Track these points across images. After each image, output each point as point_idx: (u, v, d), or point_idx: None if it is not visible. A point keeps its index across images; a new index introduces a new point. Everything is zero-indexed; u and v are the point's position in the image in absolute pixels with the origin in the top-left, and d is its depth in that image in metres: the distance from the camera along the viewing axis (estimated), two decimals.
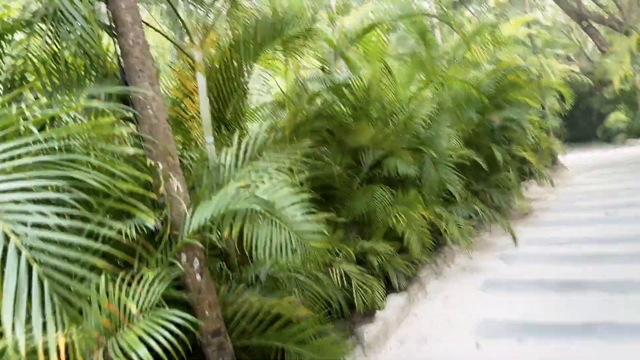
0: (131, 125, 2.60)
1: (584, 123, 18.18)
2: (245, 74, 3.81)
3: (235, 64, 3.58)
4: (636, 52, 15.44)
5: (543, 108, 10.81)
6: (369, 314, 4.22)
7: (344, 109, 5.30)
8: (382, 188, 5.03)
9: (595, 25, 16.54)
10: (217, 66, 3.63)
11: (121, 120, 2.57)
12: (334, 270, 3.84)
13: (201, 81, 3.54)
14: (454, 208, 6.02)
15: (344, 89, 5.27)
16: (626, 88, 15.19)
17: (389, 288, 4.67)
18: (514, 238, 6.12)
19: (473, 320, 4.24)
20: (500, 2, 17.42)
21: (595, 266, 4.96)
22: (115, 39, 2.60)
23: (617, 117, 14.90)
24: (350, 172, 4.99)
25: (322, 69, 6.56)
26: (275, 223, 2.55)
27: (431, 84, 6.51)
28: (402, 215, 4.92)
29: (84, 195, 1.84)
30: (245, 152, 2.91)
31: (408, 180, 5.35)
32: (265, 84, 6.01)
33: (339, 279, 3.93)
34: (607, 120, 15.23)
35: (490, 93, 8.35)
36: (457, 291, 4.96)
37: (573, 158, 14.25)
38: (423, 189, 5.50)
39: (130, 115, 2.55)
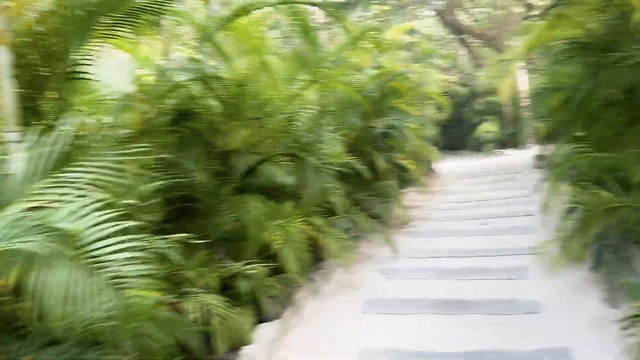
0: None
1: (457, 132, 19.20)
2: (75, 53, 2.91)
3: (55, 38, 2.69)
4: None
5: (422, 116, 10.95)
6: (233, 351, 3.55)
7: (214, 106, 4.56)
8: (256, 199, 4.39)
9: (470, 39, 17.57)
10: (30, 39, 2.70)
11: None
12: (185, 306, 3.10)
13: (3, 57, 2.60)
14: (334, 219, 5.57)
15: (213, 81, 4.53)
16: (495, 100, 16.26)
17: (261, 316, 4.03)
18: (395, 250, 5.85)
19: (352, 350, 3.77)
20: (383, 10, 17.73)
21: (475, 283, 4.80)
22: None
23: (486, 128, 15.86)
24: (219, 181, 4.27)
25: (193, 58, 5.74)
26: (81, 265, 1.77)
27: (314, 85, 6.01)
28: (279, 230, 4.32)
29: None
30: (48, 156, 2.06)
31: (286, 190, 4.77)
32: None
33: (196, 314, 3.20)
34: (477, 130, 16.14)
35: (374, 98, 8.13)
36: (336, 314, 4.48)
37: (448, 166, 14.82)
38: (303, 199, 4.96)
39: None
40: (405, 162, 8.37)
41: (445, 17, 16.71)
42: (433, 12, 17.13)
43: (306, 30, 7.99)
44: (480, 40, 16.91)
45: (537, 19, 13.59)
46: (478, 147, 16.84)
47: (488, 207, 7.90)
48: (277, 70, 5.99)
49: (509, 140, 15.85)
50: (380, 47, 8.22)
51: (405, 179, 9.06)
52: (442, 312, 4.24)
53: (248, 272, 3.93)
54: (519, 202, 7.89)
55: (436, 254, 5.87)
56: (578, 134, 5.28)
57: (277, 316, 4.14)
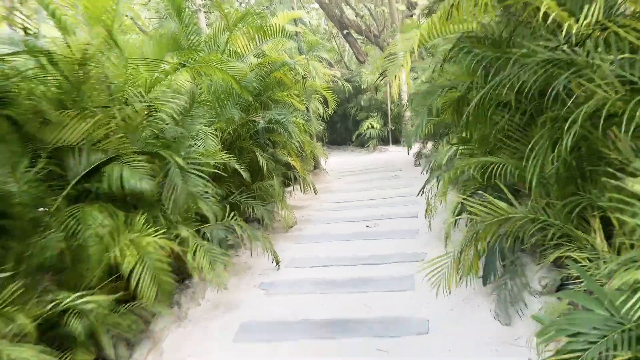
0: None
1: (342, 127, 19.23)
2: None
3: None
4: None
5: (308, 111, 10.51)
6: None
7: (42, 89, 3.54)
8: (100, 210, 3.48)
9: (355, 35, 17.56)
10: None
11: None
12: None
13: None
14: (207, 229, 4.80)
15: (43, 58, 3.51)
16: (378, 97, 16.45)
17: None
18: (276, 261, 5.25)
19: None
20: None
21: (361, 297, 4.36)
22: None
23: (370, 124, 15.96)
24: (46, 188, 3.29)
25: (25, 29, 4.61)
26: None
27: (184, 70, 5.15)
28: (131, 248, 3.47)
29: None
30: None
31: (144, 197, 3.90)
32: None
33: None
34: (361, 126, 16.19)
35: (256, 89, 7.44)
36: (204, 347, 3.75)
37: (333, 162, 14.63)
38: (166, 207, 4.12)
39: None
40: (290, 160, 7.81)
41: (329, 10, 16.48)
42: (317, 5, 16.82)
43: (178, 10, 7.06)
44: (364, 37, 16.97)
45: (421, 17, 13.80)
46: (363, 143, 16.94)
47: (373, 207, 7.64)
48: (136, 50, 5.04)
49: (392, 137, 16.12)
50: (262, 34, 7.54)
51: (290, 177, 8.53)
52: (327, 337, 3.71)
53: (85, 305, 3.04)
54: (402, 202, 7.74)
55: (321, 262, 5.37)
56: (463, 134, 5.11)
57: (126, 358, 3.30)
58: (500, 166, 3.83)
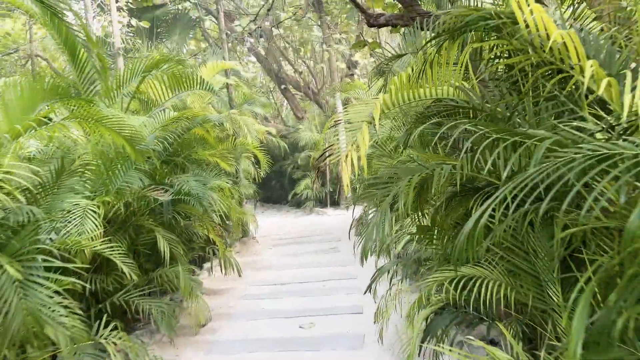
0: None
1: (277, 185, 18.05)
2: None
3: None
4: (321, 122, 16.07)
5: (237, 172, 9.24)
6: None
7: None
8: None
9: (293, 90, 16.76)
10: None
11: None
12: None
13: None
14: (67, 356, 3.29)
15: None
16: (316, 156, 15.51)
17: None
18: None
19: None
20: (200, 46, 16.01)
21: None
22: None
23: (307, 185, 14.88)
24: None
25: None
26: None
27: (54, 125, 3.76)
28: None
29: None
30: None
31: None
32: None
33: None
34: (298, 186, 15.07)
35: (168, 149, 6.12)
36: None
37: (266, 224, 13.29)
38: None
39: None
40: (210, 234, 6.41)
41: (266, 64, 15.64)
42: (254, 58, 15.96)
43: (72, 50, 5.73)
44: (302, 93, 16.19)
45: (361, 77, 13.16)
46: (299, 203, 15.77)
47: (308, 295, 6.33)
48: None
49: (330, 199, 15.08)
50: (177, 84, 6.31)
51: (208, 253, 7.11)
52: None
53: None
54: (344, 287, 6.52)
55: None
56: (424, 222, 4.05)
57: None
58: (488, 282, 2.72)
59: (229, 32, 12.88)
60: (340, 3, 12.77)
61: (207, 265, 7.51)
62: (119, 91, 5.81)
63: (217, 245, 6.62)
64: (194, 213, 5.72)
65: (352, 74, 14.27)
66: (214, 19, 15.16)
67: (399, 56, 4.34)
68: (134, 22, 11.64)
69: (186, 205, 5.34)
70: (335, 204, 15.06)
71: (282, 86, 16.10)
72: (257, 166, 10.34)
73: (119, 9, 12.24)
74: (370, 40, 11.48)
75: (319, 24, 13.40)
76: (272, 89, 18.35)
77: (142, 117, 5.29)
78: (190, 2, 15.08)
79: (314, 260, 8.43)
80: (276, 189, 18.35)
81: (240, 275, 6.86)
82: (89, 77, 5.80)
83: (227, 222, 8.36)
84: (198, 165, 7.36)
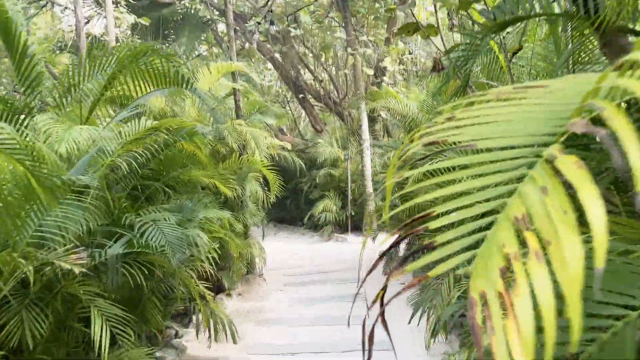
0: None
1: (292, 205, 16.37)
2: None
3: None
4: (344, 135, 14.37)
5: (242, 195, 7.57)
6: None
7: None
8: None
9: (312, 101, 15.14)
10: None
11: None
12: None
13: None
14: None
15: None
16: (336, 174, 13.78)
17: None
18: None
19: None
20: (212, 52, 14.52)
21: None
22: None
23: (325, 206, 13.15)
24: None
25: None
26: None
27: None
28: None
29: None
30: None
31: None
32: None
33: None
34: (315, 207, 13.34)
35: (145, 172, 4.48)
36: None
37: (277, 251, 11.60)
38: None
39: None
40: (192, 288, 4.71)
41: (283, 70, 14.05)
42: (271, 65, 14.39)
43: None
44: (322, 103, 14.54)
45: (391, 85, 11.45)
46: (315, 226, 14.04)
47: None
48: None
49: (351, 223, 13.31)
50: (159, 79, 4.67)
51: (189, 313, 5.43)
52: None
53: None
54: None
55: None
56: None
57: None
58: None
59: (237, 28, 11.33)
60: (368, 1, 11.14)
61: (188, 329, 5.78)
62: (71, 93, 4.19)
63: (205, 303, 4.92)
64: (165, 266, 4.03)
65: (380, 82, 12.57)
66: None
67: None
68: (131, 18, 10.15)
69: (152, 256, 3.66)
70: (357, 229, 13.28)
71: (300, 95, 14.48)
72: (266, 188, 8.65)
73: (115, 2, 10.79)
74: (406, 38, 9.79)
75: (343, 25, 11.74)
76: (289, 99, 16.74)
77: (89, 128, 3.63)
78: (201, 1, 13.61)
79: (334, 313, 6.67)
80: (291, 209, 16.66)
81: (235, 342, 5.12)
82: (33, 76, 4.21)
83: (225, 262, 6.70)
84: (190, 189, 5.74)
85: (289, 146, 9.80)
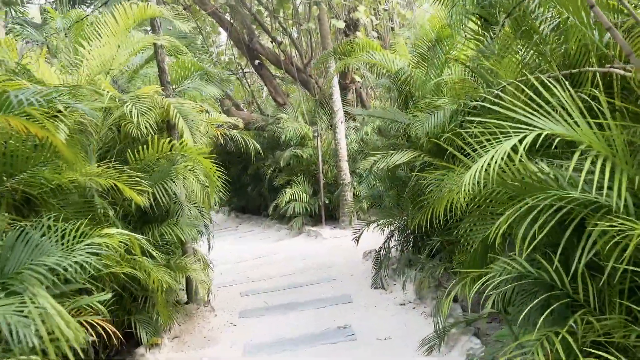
0: None
1: (254, 192, 14.07)
2: None
3: None
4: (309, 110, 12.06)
5: (175, 196, 5.23)
6: None
7: None
8: None
9: (271, 68, 12.69)
10: None
11: None
12: None
13: None
14: None
15: None
16: (304, 154, 11.48)
17: None
18: None
19: None
20: None
21: None
22: None
23: (293, 195, 10.89)
24: None
25: None
26: None
27: None
28: None
29: None
30: None
31: None
32: None
33: None
34: (281, 196, 11.07)
35: None
36: None
37: (234, 256, 9.36)
38: None
39: None
40: None
41: (233, 32, 11.53)
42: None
43: None
44: (282, 71, 12.13)
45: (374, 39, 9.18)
46: (283, 216, 11.80)
47: None
48: None
49: (326, 213, 11.11)
50: None
51: None
52: None
53: None
54: None
55: None
56: None
57: None
58: None
59: None
60: None
61: None
62: None
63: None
64: None
65: (355, 38, 10.23)
66: None
67: None
68: None
69: None
70: (332, 219, 11.10)
71: (256, 62, 12.02)
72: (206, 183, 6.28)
73: None
74: None
75: None
76: (244, 67, 14.23)
77: None
78: None
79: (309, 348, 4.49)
80: (253, 197, 14.37)
81: None
82: None
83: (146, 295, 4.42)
84: (63, 198, 3.40)
85: (241, 124, 7.42)
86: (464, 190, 2.13)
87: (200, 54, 10.82)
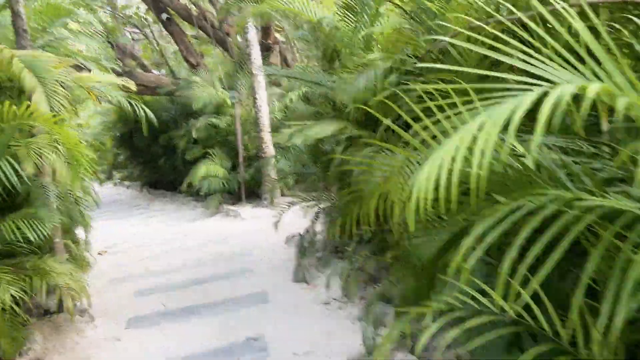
0: None
1: (167, 165, 12.62)
2: None
3: None
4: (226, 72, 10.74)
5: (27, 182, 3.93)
6: None
7: None
8: None
9: (183, 24, 11.12)
10: None
11: None
12: None
13: None
14: None
15: None
16: (221, 124, 10.20)
17: None
18: None
19: None
20: None
21: None
22: None
23: (209, 171, 9.65)
24: None
25: None
26: None
27: None
28: None
29: None
30: None
31: None
32: None
33: None
34: (194, 172, 9.79)
35: None
36: None
37: (136, 239, 8.15)
38: None
39: None
40: None
41: None
42: None
43: None
44: (196, 28, 10.63)
45: None
46: (198, 192, 10.52)
47: None
48: None
49: (246, 190, 10.00)
50: None
51: None
52: None
53: None
54: None
55: None
56: None
57: None
58: None
59: None
60: None
61: None
62: None
63: None
64: None
65: None
66: None
67: None
68: None
69: None
70: (253, 196, 10.01)
71: (165, 16, 10.44)
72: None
73: None
74: None
75: None
76: (151, 24, 12.50)
77: None
78: None
79: None
80: (167, 171, 12.91)
81: None
82: None
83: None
84: None
85: (132, 86, 6.04)
86: (419, 193, 1.15)
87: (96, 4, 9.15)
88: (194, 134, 10.07)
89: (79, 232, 6.53)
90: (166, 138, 11.73)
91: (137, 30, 12.69)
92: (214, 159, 9.98)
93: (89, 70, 6.15)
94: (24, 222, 3.70)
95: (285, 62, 11.66)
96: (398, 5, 3.44)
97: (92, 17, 7.34)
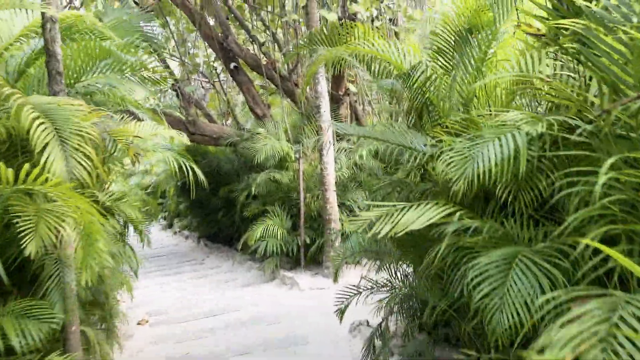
0: None
1: (226, 219, 11.88)
2: None
3: None
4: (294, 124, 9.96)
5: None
6: None
7: None
8: None
9: (250, 74, 10.59)
10: None
11: None
12: None
13: None
14: None
15: None
16: (283, 180, 9.36)
17: None
18: None
19: None
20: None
21: None
22: None
23: (267, 229, 8.70)
24: None
25: None
26: None
27: None
28: None
29: None
30: None
31: None
32: None
33: None
34: (251, 231, 8.89)
35: None
36: None
37: (182, 305, 7.24)
38: None
39: None
40: None
41: (205, 28, 9.47)
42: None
43: None
44: (264, 77, 10.03)
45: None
46: (257, 250, 9.55)
47: None
48: None
49: (305, 254, 8.93)
50: None
51: None
52: None
53: None
54: None
55: None
56: None
57: None
58: None
59: None
60: None
61: None
62: None
63: None
64: None
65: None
66: None
67: None
68: None
69: None
70: (314, 263, 8.90)
71: (232, 65, 9.95)
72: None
73: None
74: None
75: None
76: (219, 72, 12.14)
77: None
78: None
79: None
80: (224, 224, 12.17)
81: None
82: None
83: None
84: None
85: (185, 140, 5.27)
86: None
87: (165, 51, 8.74)
88: (254, 189, 9.24)
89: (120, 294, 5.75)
90: (226, 191, 11.04)
91: (207, 79, 12.39)
92: (273, 217, 9.04)
93: (141, 120, 5.41)
94: (11, 321, 2.79)
95: (355, 114, 10.78)
96: (548, 43, 2.31)
97: (155, 62, 6.79)
